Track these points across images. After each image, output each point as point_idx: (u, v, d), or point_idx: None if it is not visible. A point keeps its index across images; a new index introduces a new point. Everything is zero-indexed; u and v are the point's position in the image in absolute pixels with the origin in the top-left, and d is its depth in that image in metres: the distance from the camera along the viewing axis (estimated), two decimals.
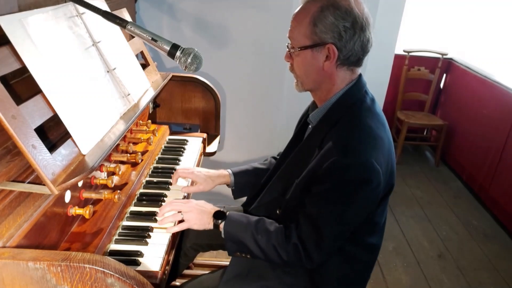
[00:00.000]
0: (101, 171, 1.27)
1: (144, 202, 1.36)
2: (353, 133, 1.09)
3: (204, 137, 1.89)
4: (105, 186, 1.26)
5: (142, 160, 1.46)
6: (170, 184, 1.46)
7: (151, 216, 1.28)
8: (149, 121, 1.69)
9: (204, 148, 1.90)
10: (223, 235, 1.18)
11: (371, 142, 1.07)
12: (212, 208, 1.22)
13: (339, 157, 1.04)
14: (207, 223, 1.20)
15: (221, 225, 1.18)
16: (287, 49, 1.16)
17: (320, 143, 1.12)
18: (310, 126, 1.24)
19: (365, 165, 1.04)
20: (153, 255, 1.13)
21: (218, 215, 1.19)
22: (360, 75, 1.17)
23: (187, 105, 1.99)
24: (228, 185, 1.48)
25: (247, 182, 1.47)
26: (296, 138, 1.34)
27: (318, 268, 1.20)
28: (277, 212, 1.23)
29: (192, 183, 1.46)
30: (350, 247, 1.19)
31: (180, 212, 1.21)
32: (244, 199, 1.49)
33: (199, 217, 1.20)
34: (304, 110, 1.38)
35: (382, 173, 1.06)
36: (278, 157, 1.51)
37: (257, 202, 1.32)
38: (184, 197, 1.43)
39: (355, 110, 1.13)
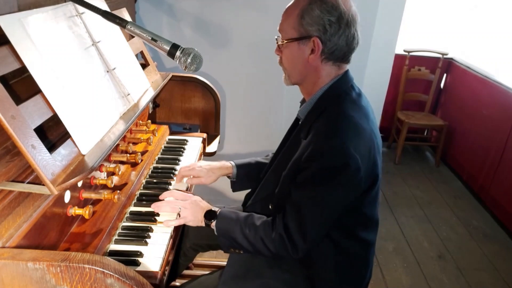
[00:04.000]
0: (101, 171, 1.27)
1: (144, 202, 1.36)
2: (333, 121, 1.12)
3: (204, 137, 1.89)
4: (104, 186, 1.26)
5: (141, 160, 1.46)
6: (170, 184, 1.46)
7: (151, 216, 1.27)
8: (149, 121, 1.69)
9: (204, 148, 1.89)
10: (215, 232, 1.22)
11: (349, 129, 1.09)
12: (206, 207, 1.26)
13: (317, 143, 1.08)
14: (200, 221, 1.24)
15: (212, 224, 1.22)
16: (276, 43, 1.19)
17: (306, 135, 1.15)
18: (300, 122, 1.26)
19: (340, 150, 1.06)
20: (153, 256, 1.13)
21: (209, 215, 1.23)
22: (347, 71, 1.19)
23: (187, 105, 1.99)
24: (229, 177, 1.50)
25: (248, 175, 1.49)
26: (287, 135, 1.36)
27: (315, 265, 1.21)
28: (270, 207, 1.25)
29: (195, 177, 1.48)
30: (346, 242, 1.20)
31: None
32: (242, 198, 1.49)
33: (194, 214, 1.24)
34: None
35: (362, 160, 1.07)
36: None
37: (251, 200, 1.34)
38: (187, 188, 1.46)
39: (339, 102, 1.15)
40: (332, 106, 1.15)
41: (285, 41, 1.15)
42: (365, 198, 1.17)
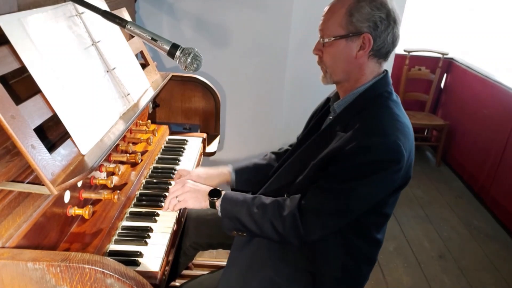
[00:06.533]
0: (101, 171, 1.27)
1: (144, 203, 1.35)
2: (381, 117, 1.12)
3: (204, 137, 1.89)
4: (104, 186, 1.26)
5: (141, 160, 1.46)
6: (170, 184, 1.46)
7: (151, 217, 1.27)
8: (149, 121, 1.69)
9: (204, 148, 1.89)
10: (219, 213, 1.20)
11: (399, 126, 1.10)
12: (207, 187, 1.25)
13: (367, 137, 1.06)
14: (203, 201, 1.23)
15: (217, 203, 1.20)
16: (320, 40, 1.18)
17: (344, 128, 1.14)
18: (330, 116, 1.26)
19: (393, 146, 1.06)
20: (153, 256, 1.13)
21: (214, 193, 1.22)
22: (387, 72, 1.21)
23: (187, 105, 1.98)
24: (227, 183, 1.48)
25: (247, 179, 1.47)
26: (314, 127, 1.34)
27: (322, 262, 1.20)
28: (285, 196, 1.22)
29: None
30: (358, 242, 1.20)
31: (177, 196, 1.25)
32: None
33: (194, 195, 1.23)
34: (319, 104, 1.39)
35: (405, 159, 1.08)
36: (279, 151, 1.53)
37: (263, 189, 1.31)
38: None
39: (382, 100, 1.16)
40: (375, 104, 1.15)
41: (333, 38, 1.14)
42: (391, 197, 1.17)
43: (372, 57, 1.15)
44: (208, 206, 1.23)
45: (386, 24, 1.11)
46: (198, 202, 1.23)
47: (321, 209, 1.09)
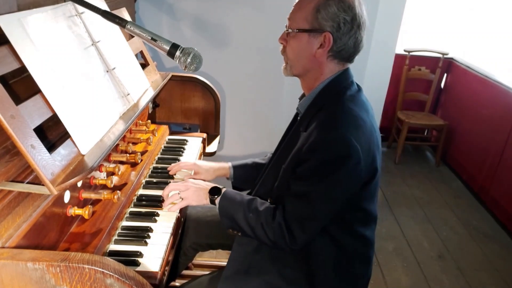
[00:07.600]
0: (101, 171, 1.27)
1: (144, 203, 1.36)
2: (334, 113, 1.13)
3: (204, 137, 1.89)
4: (104, 186, 1.26)
5: (141, 160, 1.46)
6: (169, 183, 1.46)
7: (151, 217, 1.27)
8: (149, 121, 1.69)
9: (204, 148, 1.89)
10: (217, 210, 1.23)
11: (350, 120, 1.11)
12: (208, 185, 1.29)
13: (318, 134, 1.08)
14: (203, 199, 1.27)
15: (217, 200, 1.24)
16: (286, 31, 1.19)
17: (306, 127, 1.16)
18: (299, 116, 1.27)
19: (342, 140, 1.07)
20: (153, 256, 1.13)
21: (214, 191, 1.25)
22: (348, 68, 1.21)
23: (186, 105, 1.98)
24: (227, 178, 1.54)
25: (245, 175, 1.52)
26: (287, 130, 1.37)
27: (315, 262, 1.21)
28: (268, 201, 1.25)
29: (194, 174, 1.52)
30: (345, 239, 1.21)
31: (179, 193, 1.28)
32: None
33: (196, 193, 1.27)
34: None
35: (362, 152, 1.08)
36: None
37: (252, 195, 1.34)
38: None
39: (340, 96, 1.17)
40: (333, 101, 1.16)
41: (297, 30, 1.15)
42: (364, 192, 1.17)
43: (332, 58, 1.16)
44: (209, 203, 1.26)
45: (349, 27, 1.11)
46: (199, 199, 1.27)
47: (298, 216, 1.12)
